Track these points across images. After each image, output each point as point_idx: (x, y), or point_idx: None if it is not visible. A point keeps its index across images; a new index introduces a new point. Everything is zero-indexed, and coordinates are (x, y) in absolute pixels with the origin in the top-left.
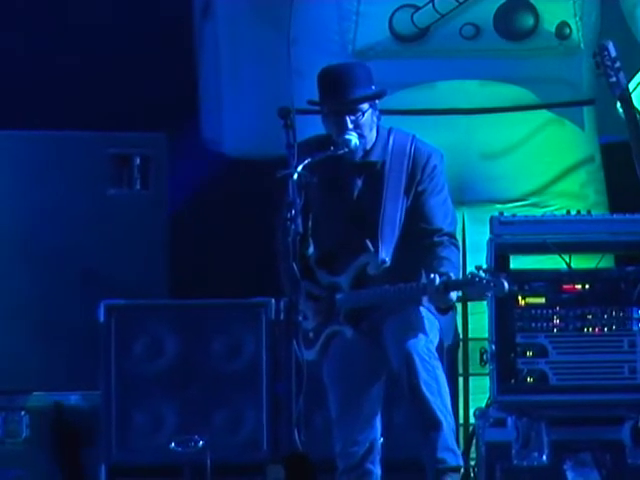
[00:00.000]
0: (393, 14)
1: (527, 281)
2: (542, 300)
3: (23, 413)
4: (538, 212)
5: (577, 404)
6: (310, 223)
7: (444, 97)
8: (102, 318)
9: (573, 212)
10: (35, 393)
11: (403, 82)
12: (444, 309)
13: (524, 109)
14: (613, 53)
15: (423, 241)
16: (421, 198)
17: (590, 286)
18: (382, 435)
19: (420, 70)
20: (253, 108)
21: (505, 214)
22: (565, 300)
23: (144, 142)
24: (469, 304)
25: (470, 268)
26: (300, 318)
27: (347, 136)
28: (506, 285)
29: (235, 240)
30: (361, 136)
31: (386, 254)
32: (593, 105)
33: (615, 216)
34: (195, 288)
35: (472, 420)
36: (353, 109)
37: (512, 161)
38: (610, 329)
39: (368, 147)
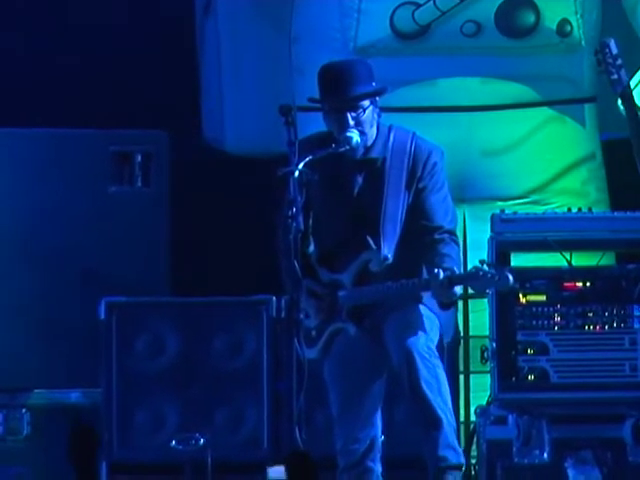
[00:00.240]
0: (394, 11)
1: (528, 279)
2: (543, 298)
3: (24, 411)
4: (539, 210)
5: (578, 402)
6: (311, 221)
7: (445, 94)
8: (103, 315)
9: (574, 210)
10: (36, 391)
11: (404, 79)
12: (447, 304)
13: (525, 106)
14: (614, 50)
15: (424, 238)
16: (421, 195)
17: (591, 284)
18: (383, 433)
19: (421, 67)
20: (254, 105)
21: (506, 212)
22: (566, 298)
23: (145, 140)
24: (470, 302)
25: (471, 266)
26: (302, 316)
27: (348, 134)
28: (511, 278)
29: (236, 237)
30: (362, 133)
31: (388, 251)
32: (594, 102)
33: (616, 214)
34: (196, 286)
35: (473, 418)
36: (354, 106)
37: (513, 158)
38: (611, 327)
39: (369, 144)
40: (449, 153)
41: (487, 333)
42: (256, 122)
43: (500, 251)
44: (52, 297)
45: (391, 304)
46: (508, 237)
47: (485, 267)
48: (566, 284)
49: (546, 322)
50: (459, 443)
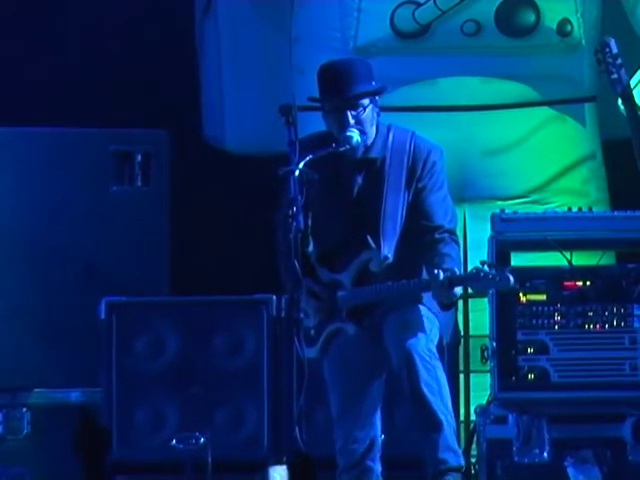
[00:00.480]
0: (394, 10)
1: (528, 278)
2: (543, 297)
3: (24, 410)
4: (539, 209)
5: (578, 401)
6: (310, 220)
7: (445, 94)
8: (103, 315)
9: (574, 209)
10: (36, 390)
11: (404, 79)
12: (447, 305)
13: (525, 106)
14: (614, 50)
15: (424, 238)
16: (421, 195)
17: (591, 283)
18: (382, 432)
19: (421, 67)
20: (254, 105)
21: (506, 211)
22: (566, 297)
23: (146, 139)
24: (470, 301)
25: (471, 265)
26: (301, 315)
27: (349, 133)
28: (511, 279)
29: (236, 237)
30: (362, 132)
31: (388, 250)
32: (594, 102)
33: (616, 213)
34: (196, 285)
35: (473, 417)
36: (354, 104)
37: (513, 158)
38: (611, 326)
39: (368, 143)
40: (449, 153)
41: (487, 332)
42: (256, 121)
43: (500, 250)
44: (52, 296)
45: (391, 304)
46: (508, 236)
47: (486, 268)
48: (566, 283)
49: (546, 321)
50: (459, 445)
